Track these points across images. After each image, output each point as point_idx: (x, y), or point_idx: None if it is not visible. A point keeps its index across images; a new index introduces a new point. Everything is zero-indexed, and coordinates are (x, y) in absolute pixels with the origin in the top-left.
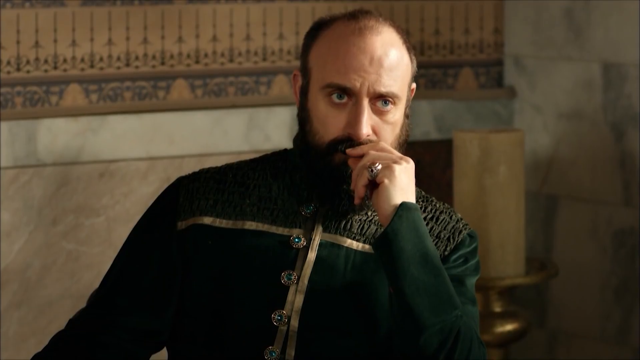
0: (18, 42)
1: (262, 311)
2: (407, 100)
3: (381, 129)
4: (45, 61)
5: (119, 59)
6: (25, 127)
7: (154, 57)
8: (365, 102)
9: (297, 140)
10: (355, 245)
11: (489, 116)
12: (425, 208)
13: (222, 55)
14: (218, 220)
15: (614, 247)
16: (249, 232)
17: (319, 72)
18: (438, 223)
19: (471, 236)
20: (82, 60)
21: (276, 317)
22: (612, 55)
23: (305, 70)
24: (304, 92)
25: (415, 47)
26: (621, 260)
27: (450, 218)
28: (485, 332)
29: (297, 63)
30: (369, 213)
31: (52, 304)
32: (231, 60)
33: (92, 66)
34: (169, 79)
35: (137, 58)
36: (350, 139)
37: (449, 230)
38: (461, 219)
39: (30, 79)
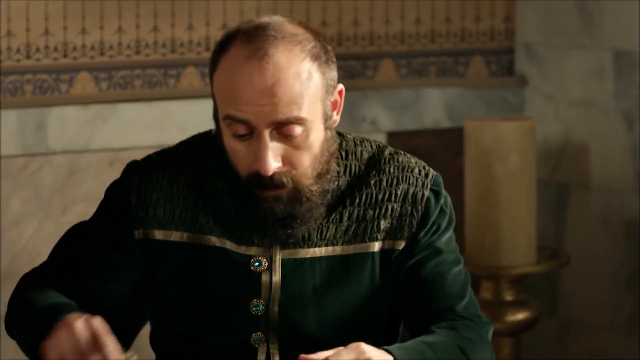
0: (28, 30)
1: (239, 334)
2: (325, 113)
3: (294, 155)
4: (55, 49)
5: (129, 46)
6: (35, 115)
7: (164, 45)
8: (266, 134)
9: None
10: (318, 252)
11: (500, 104)
12: (380, 183)
13: None
14: (176, 233)
15: (625, 236)
16: (208, 248)
17: (219, 103)
18: (397, 200)
19: (435, 192)
20: (92, 48)
21: (254, 338)
22: (623, 43)
23: (214, 97)
24: (215, 118)
25: (425, 35)
26: (632, 249)
27: (408, 182)
28: (497, 321)
29: None
30: (323, 214)
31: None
32: None
33: (102, 54)
34: (179, 67)
35: (147, 46)
36: (260, 177)
37: (410, 201)
38: (420, 172)
39: (40, 67)
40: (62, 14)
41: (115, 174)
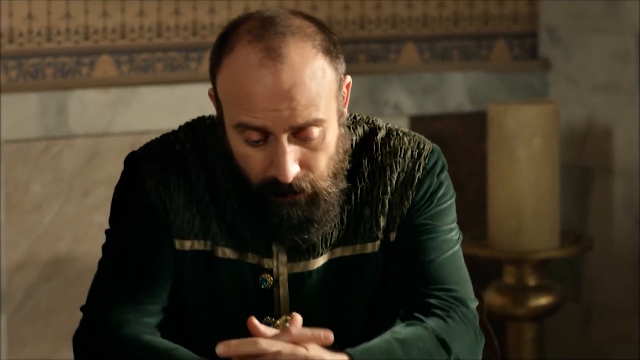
0: (49, 13)
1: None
2: (339, 110)
3: (311, 158)
4: (76, 32)
5: (150, 29)
6: (55, 98)
7: (185, 28)
8: (284, 139)
9: (220, 144)
10: (321, 260)
11: (523, 88)
12: (374, 175)
13: None
14: (192, 242)
15: None
16: (219, 259)
17: (227, 108)
18: (391, 191)
19: (428, 170)
20: (113, 31)
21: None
22: None
23: (216, 98)
24: (219, 122)
25: (448, 19)
26: None
27: (400, 169)
28: (520, 306)
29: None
30: (338, 216)
31: (83, 277)
32: None
33: (123, 37)
34: (201, 50)
35: (168, 29)
36: (278, 183)
37: (401, 189)
38: (412, 154)
39: (61, 50)
40: None
41: None
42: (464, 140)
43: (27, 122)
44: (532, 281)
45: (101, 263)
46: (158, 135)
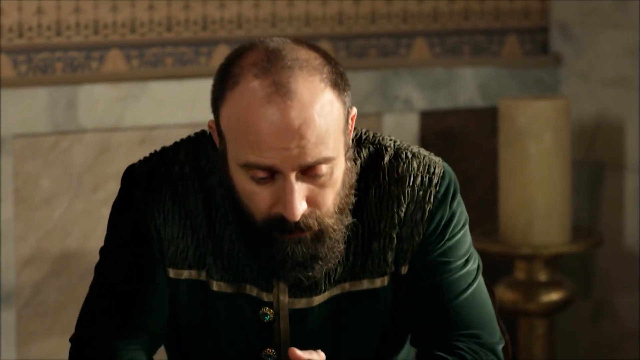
0: (58, 7)
1: None
2: (346, 144)
3: (318, 195)
4: (86, 26)
5: (160, 24)
6: (65, 92)
7: (195, 23)
8: (293, 177)
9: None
10: (327, 295)
11: (534, 84)
12: (381, 206)
13: (265, 20)
14: (187, 272)
15: None
16: (216, 293)
17: (232, 145)
18: (400, 223)
19: (440, 199)
20: (123, 25)
21: None
22: None
23: (219, 132)
24: (222, 156)
25: (459, 14)
26: None
27: (409, 199)
28: (531, 301)
29: (309, 31)
30: (342, 252)
31: (92, 273)
32: (273, 26)
33: (133, 31)
34: (211, 45)
35: (178, 23)
36: (284, 221)
37: (412, 221)
38: (422, 181)
39: (70, 44)
40: None
41: (146, 152)
42: (474, 136)
43: (37, 117)
44: (543, 276)
45: (92, 287)
46: (169, 131)
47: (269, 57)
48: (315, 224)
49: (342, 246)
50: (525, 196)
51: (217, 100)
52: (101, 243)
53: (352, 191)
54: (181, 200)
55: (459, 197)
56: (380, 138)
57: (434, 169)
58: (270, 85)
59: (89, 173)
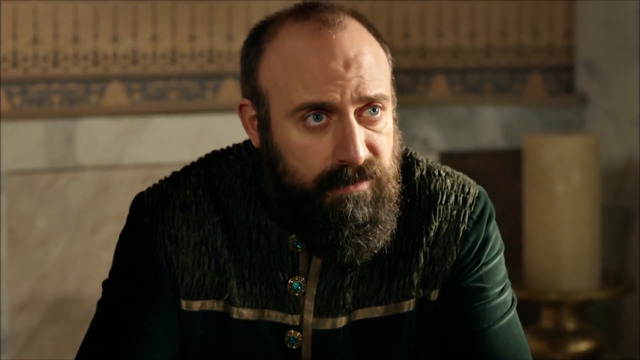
0: (55, 36)
1: None
2: (394, 99)
3: (377, 143)
4: (85, 57)
5: (164, 56)
6: (63, 127)
7: (201, 55)
8: (352, 115)
9: (268, 185)
10: (352, 317)
11: (559, 124)
12: (410, 224)
13: None
14: (203, 302)
15: None
16: (237, 321)
17: (281, 95)
18: (428, 243)
19: (475, 221)
20: (125, 56)
21: None
22: None
23: (257, 98)
24: (263, 125)
25: (480, 50)
26: None
27: (442, 218)
28: (557, 351)
29: None
30: (395, 228)
31: (91, 319)
32: None
33: (135, 63)
34: (218, 79)
35: (183, 55)
36: (344, 168)
37: (443, 242)
38: (456, 200)
39: (68, 76)
40: (92, 20)
41: None
42: (497, 179)
43: (32, 153)
44: (570, 325)
45: (93, 325)
46: (168, 174)
47: (305, 7)
48: (378, 171)
49: (395, 222)
50: (551, 238)
51: (252, 63)
52: (101, 288)
53: (399, 163)
54: (195, 225)
55: (494, 222)
56: (412, 152)
57: (469, 188)
58: (315, 22)
59: (88, 213)
